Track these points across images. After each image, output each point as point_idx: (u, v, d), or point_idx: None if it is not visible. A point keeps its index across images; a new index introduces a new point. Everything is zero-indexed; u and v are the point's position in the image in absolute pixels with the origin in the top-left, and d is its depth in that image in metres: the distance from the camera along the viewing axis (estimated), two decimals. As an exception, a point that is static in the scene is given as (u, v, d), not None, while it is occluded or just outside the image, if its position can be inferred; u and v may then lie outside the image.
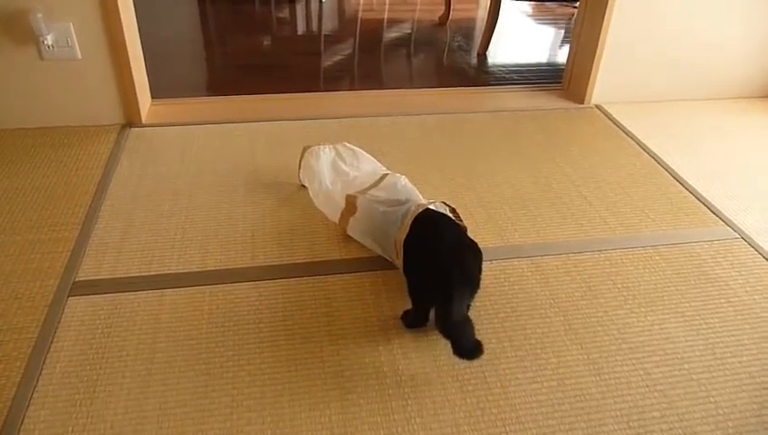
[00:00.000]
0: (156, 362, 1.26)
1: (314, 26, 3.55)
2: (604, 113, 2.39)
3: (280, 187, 1.83)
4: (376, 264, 1.52)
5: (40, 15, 1.89)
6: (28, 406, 1.15)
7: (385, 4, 3.82)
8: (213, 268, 1.51)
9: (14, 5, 1.88)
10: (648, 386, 1.24)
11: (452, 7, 3.56)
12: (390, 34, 3.38)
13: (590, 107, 2.44)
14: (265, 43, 3.27)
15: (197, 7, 3.77)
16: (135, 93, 2.10)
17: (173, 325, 1.34)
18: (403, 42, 3.31)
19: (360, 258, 1.55)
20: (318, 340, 1.31)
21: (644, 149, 2.13)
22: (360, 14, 3.65)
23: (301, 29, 3.51)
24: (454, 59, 3.14)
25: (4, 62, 1.96)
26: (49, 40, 1.93)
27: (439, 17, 3.58)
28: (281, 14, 3.65)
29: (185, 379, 1.22)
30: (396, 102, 2.44)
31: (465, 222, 1.51)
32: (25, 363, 1.24)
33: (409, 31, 3.44)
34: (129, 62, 2.04)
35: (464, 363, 1.26)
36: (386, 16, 3.63)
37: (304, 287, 1.46)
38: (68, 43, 1.96)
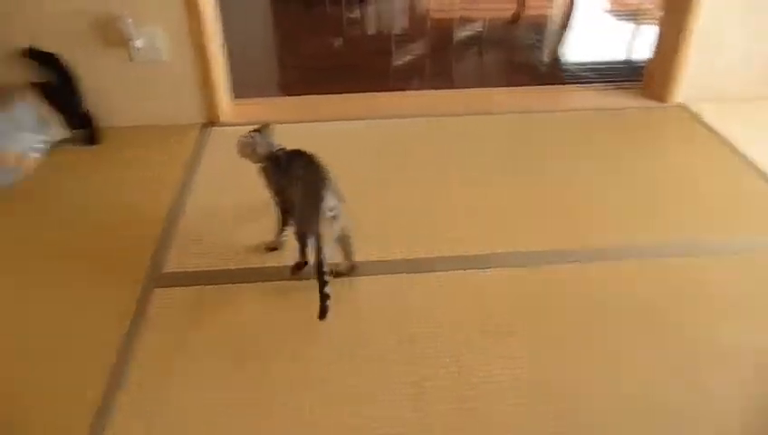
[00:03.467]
0: (243, 357, 1.30)
1: (385, 26, 3.57)
2: (689, 113, 2.27)
3: (357, 184, 1.85)
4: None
5: (130, 21, 1.99)
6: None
7: (456, 4, 3.80)
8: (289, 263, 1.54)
9: (107, 12, 1.98)
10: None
11: (525, 4, 3.49)
12: (461, 33, 3.36)
13: (674, 105, 2.32)
14: (337, 43, 3.31)
15: (271, 10, 3.87)
16: (216, 93, 2.17)
17: (255, 317, 1.39)
18: (474, 40, 3.27)
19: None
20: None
21: (732, 150, 2.02)
22: (430, 14, 3.64)
23: (371, 29, 3.54)
24: (527, 57, 3.08)
25: (97, 63, 2.07)
26: (138, 43, 2.03)
27: (512, 15, 3.53)
28: (351, 15, 3.69)
29: (271, 372, 1.25)
30: (467, 101, 2.42)
31: (541, 224, 1.48)
32: (119, 345, 1.31)
33: (481, 29, 3.41)
34: (211, 64, 2.12)
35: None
36: (456, 15, 3.60)
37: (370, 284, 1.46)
38: (155, 45, 2.06)
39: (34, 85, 2.00)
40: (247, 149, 1.54)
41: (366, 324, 1.37)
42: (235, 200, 1.80)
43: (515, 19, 3.50)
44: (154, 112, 2.19)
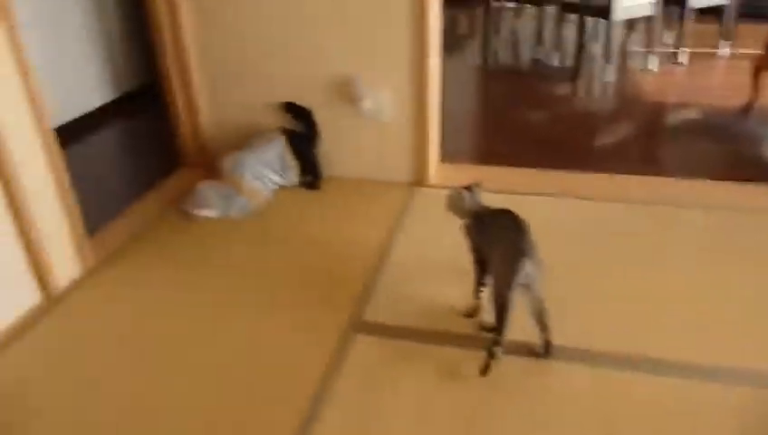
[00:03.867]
0: (425, 414, 1.31)
1: (594, 105, 3.51)
2: None
3: (556, 261, 1.81)
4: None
5: (363, 83, 2.19)
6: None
7: (675, 87, 3.62)
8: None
9: (346, 72, 2.22)
10: None
11: (760, 92, 3.20)
12: (677, 119, 3.18)
13: None
14: (543, 117, 3.32)
15: (482, 80, 4.01)
16: (428, 156, 2.29)
17: (446, 384, 1.40)
18: (692, 128, 3.07)
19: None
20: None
21: None
22: (643, 96, 3.51)
23: (579, 106, 3.50)
24: (754, 151, 2.81)
25: (331, 117, 2.31)
26: (366, 103, 2.23)
27: (745, 104, 3.25)
28: (561, 91, 3.68)
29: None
30: (676, 191, 2.26)
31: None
32: (317, 382, 1.40)
33: (700, 117, 3.19)
34: (426, 128, 2.24)
35: None
36: (677, 99, 3.42)
37: (577, 375, 1.39)
38: (380, 107, 2.24)
39: (285, 132, 2.29)
40: (455, 204, 1.60)
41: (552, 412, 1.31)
42: (437, 260, 1.85)
43: (748, 108, 3.22)
44: (368, 168, 2.36)
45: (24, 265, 1.68)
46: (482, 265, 1.56)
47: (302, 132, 2.31)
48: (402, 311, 1.64)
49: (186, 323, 1.63)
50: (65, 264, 1.81)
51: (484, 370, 1.37)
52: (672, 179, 2.43)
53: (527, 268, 1.35)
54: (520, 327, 1.54)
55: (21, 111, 1.61)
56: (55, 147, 1.73)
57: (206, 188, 2.14)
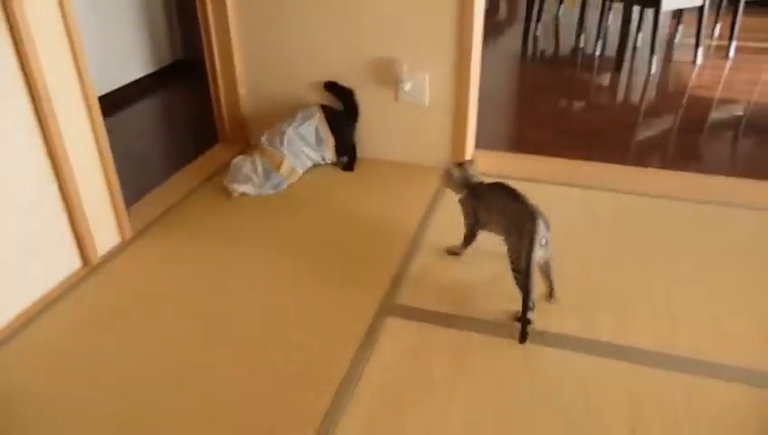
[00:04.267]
0: (456, 401, 1.31)
1: (635, 97, 3.43)
2: None
3: (590, 253, 1.78)
4: None
5: (405, 66, 2.18)
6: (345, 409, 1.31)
7: (721, 82, 3.51)
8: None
9: (388, 56, 2.20)
10: None
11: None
12: (719, 115, 3.08)
13: None
14: (581, 107, 3.26)
15: (519, 68, 3.95)
16: (464, 141, 2.27)
17: (476, 370, 1.40)
18: (736, 124, 2.98)
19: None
20: None
21: None
22: (688, 90, 3.41)
23: (620, 98, 3.42)
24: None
25: (369, 99, 2.30)
26: (406, 87, 2.21)
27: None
28: (601, 81, 3.61)
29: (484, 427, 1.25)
30: (712, 189, 2.19)
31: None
32: (349, 363, 1.41)
33: (746, 113, 3.10)
34: (466, 114, 2.22)
35: None
36: (720, 95, 3.32)
37: (608, 369, 1.38)
38: (421, 91, 2.22)
39: (324, 108, 2.29)
40: (449, 179, 1.74)
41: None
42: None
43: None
44: (404, 151, 2.35)
45: (67, 233, 1.72)
46: (472, 232, 1.72)
47: (341, 111, 2.31)
48: (434, 295, 1.64)
49: (219, 297, 1.65)
50: (105, 234, 1.84)
51: (523, 337, 1.44)
52: (714, 177, 2.36)
53: (542, 229, 1.44)
54: (558, 319, 1.53)
55: (68, 79, 1.64)
56: (99, 116, 1.75)
57: (243, 164, 2.15)
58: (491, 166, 2.32)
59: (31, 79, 1.51)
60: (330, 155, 2.30)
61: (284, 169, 2.17)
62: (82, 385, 1.38)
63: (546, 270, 1.56)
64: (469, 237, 1.74)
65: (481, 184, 1.68)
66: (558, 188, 2.18)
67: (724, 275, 1.71)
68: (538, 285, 1.50)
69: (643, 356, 1.42)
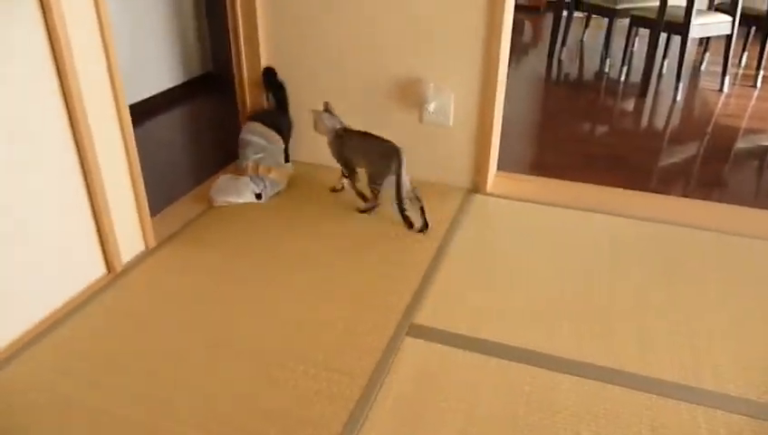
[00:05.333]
0: (473, 425, 1.30)
1: (660, 124, 3.41)
2: None
3: (612, 281, 1.77)
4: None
5: (432, 86, 2.19)
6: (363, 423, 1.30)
7: (747, 111, 3.48)
8: (536, 349, 1.52)
9: (415, 76, 2.22)
10: None
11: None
12: (744, 144, 3.05)
13: None
14: (605, 132, 3.25)
15: (543, 91, 3.95)
16: (487, 163, 2.27)
17: (493, 394, 1.39)
18: (759, 154, 2.95)
19: (698, 390, 1.39)
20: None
21: None
22: (713, 118, 3.39)
23: (644, 124, 3.40)
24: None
25: (392, 118, 2.32)
26: (431, 107, 2.23)
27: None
28: (625, 107, 3.60)
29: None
30: (734, 219, 2.17)
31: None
32: (366, 381, 1.41)
33: (770, 143, 3.06)
34: (489, 135, 2.23)
35: None
36: (745, 124, 3.29)
37: (630, 400, 1.36)
38: (445, 111, 2.23)
39: (254, 116, 2.41)
40: (318, 124, 2.11)
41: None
42: (491, 268, 1.84)
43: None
44: (427, 170, 2.36)
45: (93, 239, 1.75)
46: (349, 170, 2.14)
47: (272, 109, 2.42)
48: (453, 316, 1.64)
49: (238, 310, 1.67)
50: (129, 242, 1.87)
51: (410, 225, 2.02)
52: (738, 207, 2.34)
53: (403, 157, 1.95)
54: (578, 348, 1.52)
55: (101, 87, 1.68)
56: (129, 125, 1.79)
57: (228, 179, 2.26)
58: (512, 188, 2.32)
59: (66, 85, 1.55)
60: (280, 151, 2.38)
61: (274, 172, 2.29)
62: (99, 391, 1.39)
63: (417, 193, 2.03)
64: (350, 175, 2.15)
65: (346, 129, 2.09)
66: (580, 214, 2.16)
67: (746, 305, 1.68)
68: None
69: (665, 387, 1.40)
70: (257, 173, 2.25)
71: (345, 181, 2.22)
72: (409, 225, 2.01)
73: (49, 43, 1.50)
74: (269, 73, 2.37)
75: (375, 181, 2.04)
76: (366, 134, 2.07)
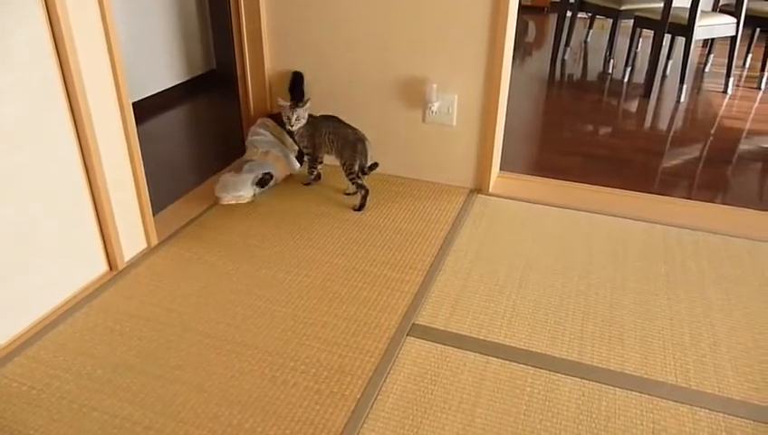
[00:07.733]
0: (473, 426, 1.30)
1: (663, 125, 3.40)
2: None
3: (615, 283, 1.76)
4: (719, 405, 1.35)
5: (435, 86, 2.19)
6: (363, 423, 1.30)
7: (751, 113, 3.47)
8: (538, 350, 1.52)
9: (419, 76, 2.22)
10: None
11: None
12: (748, 146, 3.05)
13: None
14: (608, 133, 3.24)
15: (547, 90, 3.95)
16: (490, 163, 2.27)
17: (494, 395, 1.38)
18: (762, 156, 2.94)
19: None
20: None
21: None
22: (717, 120, 3.38)
23: (648, 125, 3.40)
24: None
25: (396, 118, 2.32)
26: (434, 107, 2.23)
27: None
28: (629, 108, 3.59)
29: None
30: (736, 221, 2.16)
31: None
32: (366, 381, 1.41)
33: (775, 146, 3.05)
34: (492, 136, 2.22)
35: None
36: (749, 126, 3.29)
37: (631, 403, 1.36)
38: (449, 111, 2.23)
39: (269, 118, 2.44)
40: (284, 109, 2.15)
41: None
42: (491, 269, 1.83)
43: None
44: (429, 170, 2.36)
45: (96, 237, 1.75)
46: (313, 158, 2.26)
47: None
48: (455, 317, 1.64)
49: (238, 310, 1.67)
50: (132, 240, 1.87)
51: (361, 208, 2.16)
52: (742, 209, 2.33)
53: (368, 147, 2.12)
54: (582, 351, 1.52)
55: (105, 84, 1.68)
56: (132, 122, 1.79)
57: (231, 176, 2.22)
58: (515, 189, 2.32)
59: (69, 83, 1.55)
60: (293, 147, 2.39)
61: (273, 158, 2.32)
62: (99, 389, 1.39)
63: (368, 173, 2.14)
64: (312, 162, 2.27)
65: (314, 117, 2.17)
66: (583, 215, 2.16)
67: (749, 308, 1.68)
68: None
69: (666, 390, 1.40)
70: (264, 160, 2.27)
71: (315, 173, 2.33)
72: (361, 207, 2.16)
73: (52, 40, 1.50)
74: (297, 77, 2.37)
75: (351, 170, 2.13)
76: (335, 120, 2.17)
